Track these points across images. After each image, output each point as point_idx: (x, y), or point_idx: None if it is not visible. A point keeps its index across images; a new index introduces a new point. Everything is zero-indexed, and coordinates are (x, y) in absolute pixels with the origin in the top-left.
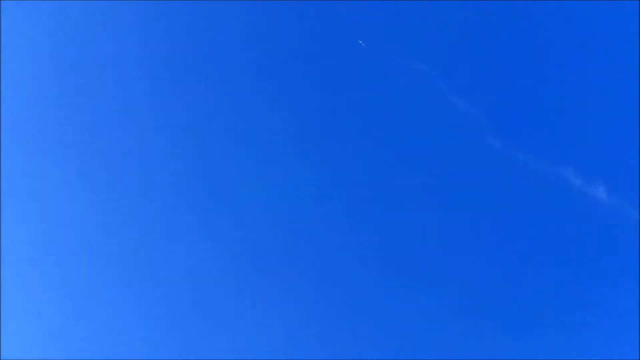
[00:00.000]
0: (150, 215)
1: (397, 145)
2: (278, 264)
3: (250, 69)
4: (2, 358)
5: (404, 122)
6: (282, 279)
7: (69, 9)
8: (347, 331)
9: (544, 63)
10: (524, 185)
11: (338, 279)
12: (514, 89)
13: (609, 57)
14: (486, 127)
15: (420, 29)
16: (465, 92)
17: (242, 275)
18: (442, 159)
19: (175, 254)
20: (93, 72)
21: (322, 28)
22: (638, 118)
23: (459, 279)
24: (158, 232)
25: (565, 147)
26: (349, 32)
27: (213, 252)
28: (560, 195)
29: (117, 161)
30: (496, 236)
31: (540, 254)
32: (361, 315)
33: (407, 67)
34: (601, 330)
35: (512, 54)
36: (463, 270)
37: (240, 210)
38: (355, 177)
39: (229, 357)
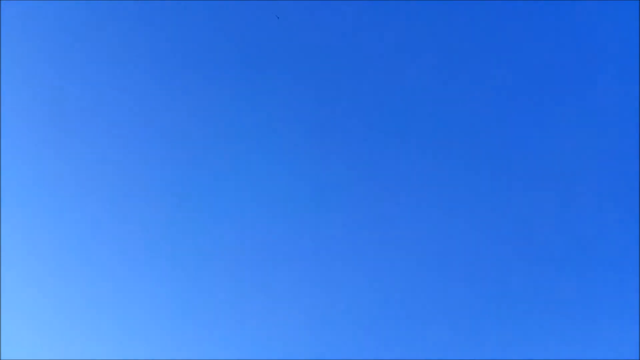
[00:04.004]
0: (151, 214)
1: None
2: (278, 263)
3: (248, 69)
4: (2, 358)
5: (403, 120)
6: (282, 278)
7: (69, 9)
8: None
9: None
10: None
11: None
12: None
13: (609, 57)
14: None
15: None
16: (462, 91)
17: (242, 275)
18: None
19: (176, 253)
20: (93, 72)
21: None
22: (638, 118)
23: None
24: (159, 232)
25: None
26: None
27: (212, 251)
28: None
29: (117, 161)
30: (492, 239)
31: (538, 255)
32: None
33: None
34: (601, 330)
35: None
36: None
37: (240, 210)
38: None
39: (229, 357)
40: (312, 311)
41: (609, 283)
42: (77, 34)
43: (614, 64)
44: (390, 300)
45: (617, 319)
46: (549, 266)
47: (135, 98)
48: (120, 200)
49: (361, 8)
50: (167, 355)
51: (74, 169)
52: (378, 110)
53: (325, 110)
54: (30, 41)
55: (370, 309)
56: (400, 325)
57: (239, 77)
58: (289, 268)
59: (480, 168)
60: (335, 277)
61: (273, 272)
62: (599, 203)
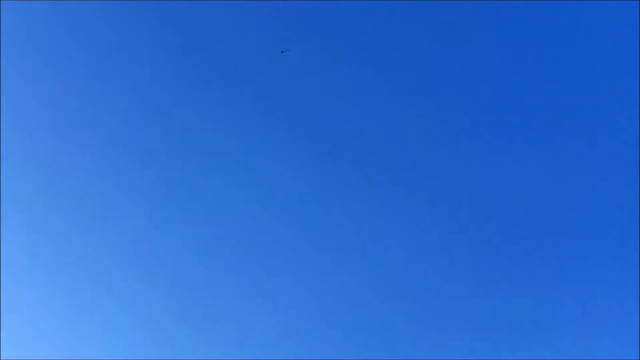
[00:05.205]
0: (150, 214)
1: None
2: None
3: (248, 69)
4: (2, 358)
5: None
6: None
7: (69, 9)
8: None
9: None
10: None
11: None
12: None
13: (609, 57)
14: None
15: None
16: (461, 90)
17: (241, 275)
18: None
19: (176, 254)
20: (93, 72)
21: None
22: (638, 118)
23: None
24: (159, 232)
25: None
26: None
27: (211, 251)
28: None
29: (117, 161)
30: (495, 235)
31: (539, 255)
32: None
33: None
34: (601, 331)
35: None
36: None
37: (239, 209)
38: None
39: (229, 357)
40: (312, 311)
41: (609, 283)
42: (77, 34)
43: (614, 64)
44: (390, 299)
45: (617, 319)
46: (548, 266)
47: (134, 98)
48: (120, 200)
49: (361, 9)
50: (167, 355)
51: (73, 169)
52: (376, 110)
53: (324, 111)
54: (30, 41)
55: (369, 309)
56: (400, 325)
57: (240, 78)
58: (287, 268)
59: (480, 168)
60: (335, 277)
61: (272, 272)
62: (599, 203)
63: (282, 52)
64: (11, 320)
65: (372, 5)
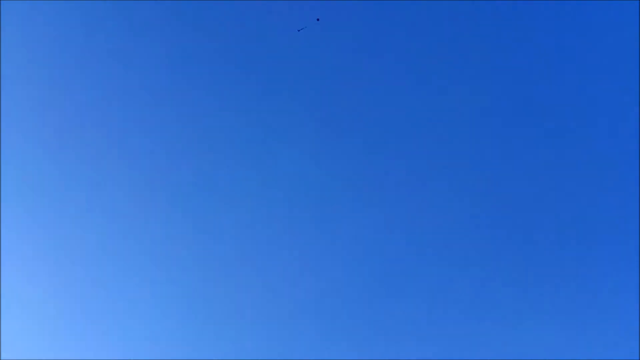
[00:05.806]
0: (150, 214)
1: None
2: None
3: (248, 68)
4: (2, 358)
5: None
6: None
7: (69, 9)
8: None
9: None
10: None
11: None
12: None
13: (609, 57)
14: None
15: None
16: (461, 92)
17: (241, 275)
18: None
19: (175, 254)
20: (93, 72)
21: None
22: (638, 118)
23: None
24: (158, 232)
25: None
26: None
27: (212, 251)
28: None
29: (117, 161)
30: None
31: (541, 254)
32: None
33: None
34: (601, 330)
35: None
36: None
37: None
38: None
39: (229, 357)
40: (313, 310)
41: (609, 283)
42: (77, 34)
43: (614, 64)
44: (390, 299)
45: (617, 319)
46: (549, 266)
47: (136, 99)
48: (122, 201)
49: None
50: (167, 355)
51: (73, 169)
52: (379, 112)
53: (326, 112)
54: (30, 41)
55: (370, 308)
56: (400, 324)
57: (242, 77)
58: (287, 267)
59: (480, 168)
60: (337, 277)
61: (274, 271)
62: (599, 203)
63: (298, 30)
64: (11, 320)
65: (373, 6)
